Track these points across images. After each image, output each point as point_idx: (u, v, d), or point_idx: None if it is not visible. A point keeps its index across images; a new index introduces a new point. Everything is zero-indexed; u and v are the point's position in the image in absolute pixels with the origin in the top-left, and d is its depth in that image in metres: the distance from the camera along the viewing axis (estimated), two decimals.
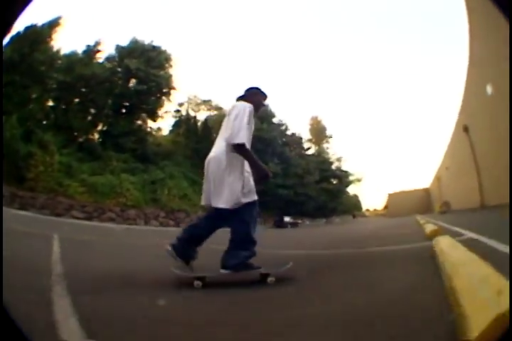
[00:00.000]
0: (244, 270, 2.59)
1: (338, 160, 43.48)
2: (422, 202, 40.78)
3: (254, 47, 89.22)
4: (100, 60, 24.44)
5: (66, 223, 14.56)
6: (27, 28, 20.17)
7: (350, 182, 44.73)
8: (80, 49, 23.89)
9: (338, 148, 47.76)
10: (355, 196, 56.74)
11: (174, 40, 64.01)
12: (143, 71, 24.32)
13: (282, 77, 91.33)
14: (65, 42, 24.69)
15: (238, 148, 2.56)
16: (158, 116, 27.98)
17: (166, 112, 32.97)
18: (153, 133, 30.90)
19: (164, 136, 33.00)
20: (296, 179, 33.22)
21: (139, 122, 27.02)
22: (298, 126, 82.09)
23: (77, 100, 22.83)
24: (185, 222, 24.39)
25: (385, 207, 52.32)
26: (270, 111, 34.60)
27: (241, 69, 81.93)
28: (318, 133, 44.44)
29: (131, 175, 23.78)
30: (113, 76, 24.23)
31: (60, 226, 11.35)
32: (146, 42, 26.55)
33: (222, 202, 2.58)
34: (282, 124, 36.51)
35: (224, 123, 2.79)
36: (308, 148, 41.21)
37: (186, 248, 2.71)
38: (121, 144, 24.52)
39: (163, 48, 26.91)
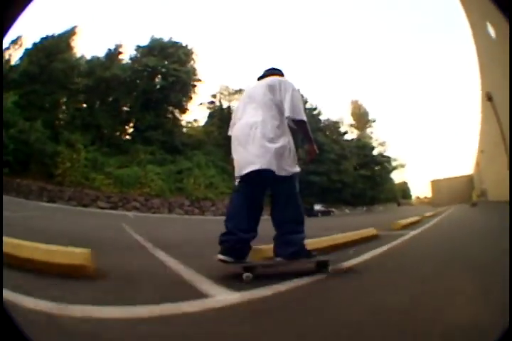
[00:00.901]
0: (305, 257, 2.30)
1: (382, 145, 40.54)
2: (466, 189, 36.14)
3: (284, 32, 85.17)
4: (123, 62, 26.06)
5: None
6: (42, 40, 22.34)
7: (393, 168, 41.44)
8: (102, 53, 25.89)
9: (380, 133, 43.42)
10: (404, 183, 52.45)
11: (198, 34, 64.50)
12: (162, 67, 25.35)
13: (320, 62, 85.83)
14: (86, 48, 26.60)
15: (300, 124, 2.46)
16: (186, 109, 28.93)
17: (200, 104, 33.89)
18: (187, 124, 32.07)
19: (198, 127, 33.99)
20: (331, 165, 31.89)
21: (169, 116, 28.21)
22: (340, 111, 77.09)
23: (102, 101, 24.58)
24: (211, 211, 25.14)
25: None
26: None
27: (271, 57, 78.11)
28: (360, 117, 41.79)
29: (158, 166, 25.00)
30: (134, 75, 25.56)
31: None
32: (166, 40, 27.58)
33: (281, 168, 2.34)
34: (314, 109, 35.18)
35: (260, 93, 2.56)
36: (345, 133, 38.94)
37: (237, 244, 2.28)
38: (148, 137, 25.89)
39: (184, 44, 27.89)
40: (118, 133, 25.68)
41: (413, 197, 61.23)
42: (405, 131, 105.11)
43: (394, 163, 40.96)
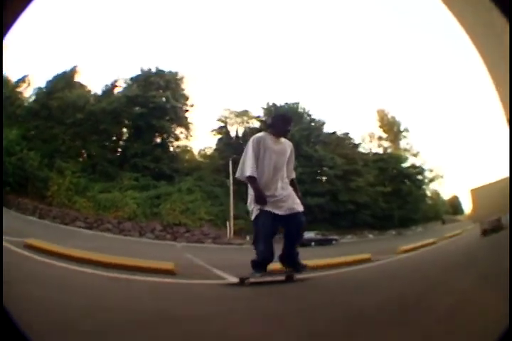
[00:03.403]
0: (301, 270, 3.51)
1: (415, 156, 32.75)
2: None
3: (286, 46, 73.18)
4: (114, 95, 28.75)
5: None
6: (48, 83, 26.63)
7: (429, 181, 32.65)
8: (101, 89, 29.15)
9: (416, 144, 34.15)
10: (455, 197, 40.65)
11: (187, 60, 61.51)
12: (140, 96, 26.94)
13: (335, 74, 71.64)
14: (89, 85, 29.89)
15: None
16: (174, 135, 29.77)
17: (213, 131, 33.88)
18: (189, 150, 32.83)
19: (200, 153, 34.29)
20: (336, 183, 27.59)
21: (158, 142, 29.51)
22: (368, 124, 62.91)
23: (93, 132, 27.43)
24: (184, 237, 24.55)
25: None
26: (300, 109, 30.75)
27: (275, 71, 67.77)
28: (389, 128, 35.15)
29: (139, 191, 26.13)
30: (119, 106, 27.66)
31: None
32: (154, 69, 29.33)
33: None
34: (316, 121, 31.27)
35: None
36: (357, 145, 32.93)
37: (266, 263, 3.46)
38: (135, 164, 27.44)
39: (167, 71, 29.15)
40: (108, 161, 27.78)
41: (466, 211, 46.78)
42: (438, 137, 77.66)
43: (430, 175, 32.63)
